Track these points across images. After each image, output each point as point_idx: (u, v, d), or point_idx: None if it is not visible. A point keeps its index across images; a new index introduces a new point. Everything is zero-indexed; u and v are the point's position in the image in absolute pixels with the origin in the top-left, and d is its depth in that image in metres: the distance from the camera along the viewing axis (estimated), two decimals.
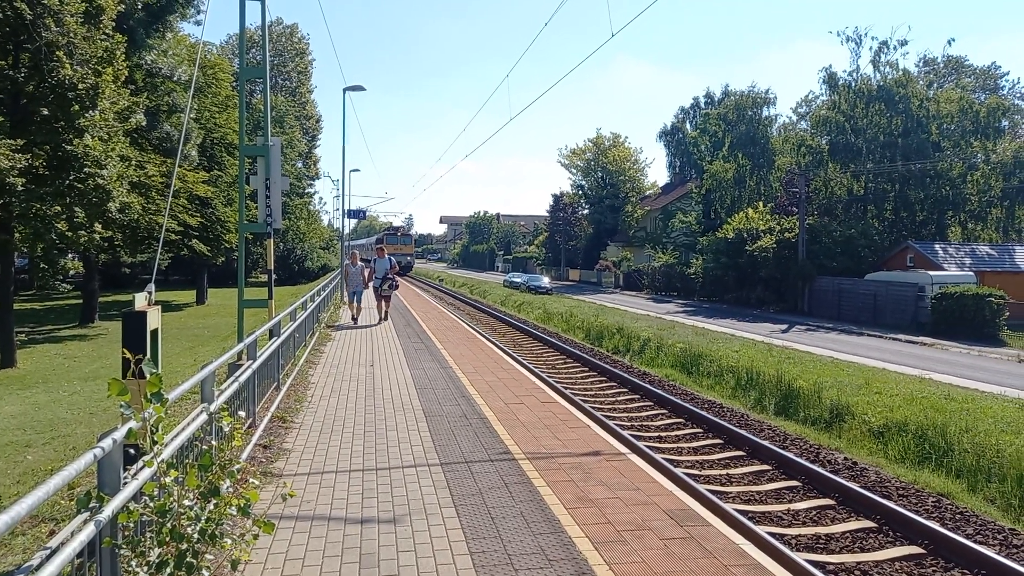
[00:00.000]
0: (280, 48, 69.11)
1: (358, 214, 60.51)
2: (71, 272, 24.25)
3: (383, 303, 20.11)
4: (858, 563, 7.05)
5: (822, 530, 7.88)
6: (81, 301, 30.35)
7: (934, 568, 7.01)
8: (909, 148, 37.10)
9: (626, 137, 71.69)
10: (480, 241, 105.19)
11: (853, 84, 40.61)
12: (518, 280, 52.55)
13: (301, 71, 72.07)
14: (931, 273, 30.20)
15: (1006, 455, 9.89)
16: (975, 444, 10.45)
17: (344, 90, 30.15)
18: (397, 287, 20.64)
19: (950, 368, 18.45)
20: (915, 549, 7.33)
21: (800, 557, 6.75)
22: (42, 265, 21.60)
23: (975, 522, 8.35)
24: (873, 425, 12.11)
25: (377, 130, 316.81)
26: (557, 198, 69.72)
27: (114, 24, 20.15)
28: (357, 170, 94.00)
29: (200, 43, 14.36)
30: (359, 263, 20.08)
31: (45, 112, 18.73)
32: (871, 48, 43.53)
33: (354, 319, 19.53)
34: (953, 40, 75.02)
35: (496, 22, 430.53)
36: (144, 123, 25.68)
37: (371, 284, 20.00)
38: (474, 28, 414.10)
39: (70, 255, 25.22)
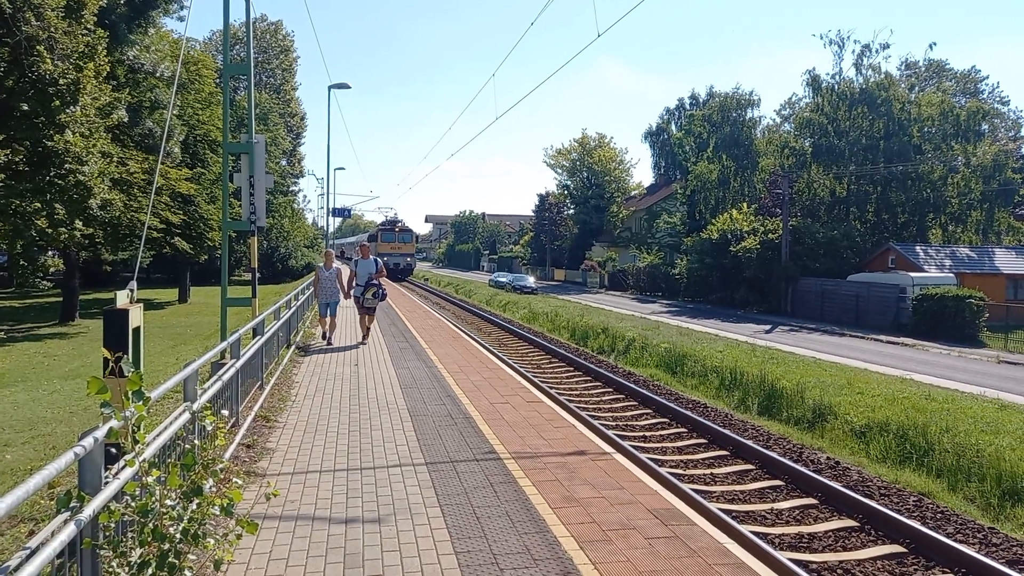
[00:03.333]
0: (264, 45, 68.66)
1: (343, 212, 60.19)
2: (51, 269, 23.92)
3: (365, 317, 15.38)
4: (840, 562, 7.10)
5: (805, 529, 7.94)
6: (61, 299, 29.91)
7: (915, 567, 7.08)
8: (891, 151, 37.50)
9: (611, 137, 71.71)
10: (466, 240, 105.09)
11: (836, 87, 40.94)
12: (504, 280, 52.52)
13: (286, 68, 71.59)
14: (912, 275, 30.55)
15: (985, 455, 10.01)
16: (955, 444, 10.57)
17: (329, 87, 30.09)
18: (385, 296, 15.47)
19: (931, 369, 18.65)
20: (897, 548, 7.40)
21: (784, 556, 6.79)
22: (21, 262, 21.28)
23: (955, 521, 8.44)
24: (855, 425, 12.23)
25: (362, 129, 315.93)
26: (543, 198, 69.78)
27: (96, 19, 19.91)
28: (342, 168, 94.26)
29: (183, 39, 14.26)
30: (334, 266, 15.22)
31: (25, 107, 18.48)
32: (854, 51, 43.90)
33: (326, 337, 15.23)
34: (935, 44, 76.04)
35: (481, 22, 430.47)
36: (126, 119, 25.39)
37: (352, 293, 15.19)
38: (459, 28, 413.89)
39: (50, 252, 24.90)
